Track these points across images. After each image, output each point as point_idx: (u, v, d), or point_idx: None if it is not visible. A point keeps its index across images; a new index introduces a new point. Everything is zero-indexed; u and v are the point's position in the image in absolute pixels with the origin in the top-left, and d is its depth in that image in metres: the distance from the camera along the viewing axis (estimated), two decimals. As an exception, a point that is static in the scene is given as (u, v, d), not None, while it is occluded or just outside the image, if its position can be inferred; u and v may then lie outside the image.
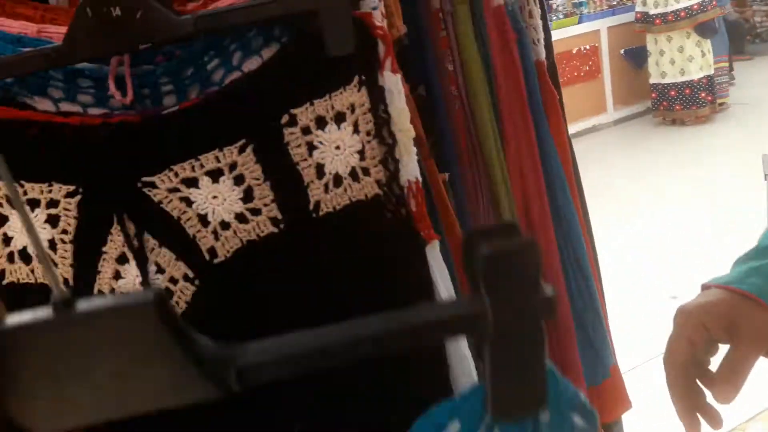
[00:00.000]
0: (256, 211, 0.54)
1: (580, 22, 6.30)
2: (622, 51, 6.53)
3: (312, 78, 0.54)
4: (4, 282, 0.56)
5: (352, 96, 0.54)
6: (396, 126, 0.54)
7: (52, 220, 0.55)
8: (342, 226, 0.54)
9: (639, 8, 6.18)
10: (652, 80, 5.92)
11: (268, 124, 0.54)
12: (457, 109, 0.84)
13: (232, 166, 0.54)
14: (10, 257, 0.55)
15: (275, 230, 0.54)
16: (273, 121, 0.53)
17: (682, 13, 5.80)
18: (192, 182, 0.54)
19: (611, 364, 0.93)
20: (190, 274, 0.55)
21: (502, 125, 0.84)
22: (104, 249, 0.55)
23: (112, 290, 0.55)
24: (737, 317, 0.53)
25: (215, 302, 0.55)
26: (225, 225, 0.54)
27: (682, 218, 3.55)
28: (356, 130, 0.54)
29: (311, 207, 0.54)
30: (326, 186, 0.54)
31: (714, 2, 5.73)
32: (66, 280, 0.55)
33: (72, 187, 0.54)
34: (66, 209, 0.54)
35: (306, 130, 0.54)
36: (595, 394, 0.92)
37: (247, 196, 0.54)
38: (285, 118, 0.53)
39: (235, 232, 0.54)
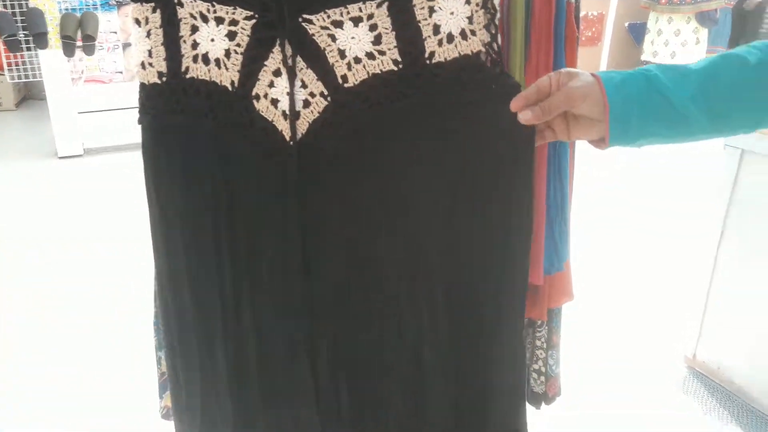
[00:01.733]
0: (382, 53, 0.72)
1: (595, -14, 6.31)
2: (626, 24, 6.57)
3: None
4: (187, 76, 0.75)
5: None
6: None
7: (231, 35, 0.73)
8: (450, 72, 0.71)
9: (649, -15, 6.22)
10: (643, 57, 6.06)
11: None
12: (499, 25, 1.01)
13: (370, 16, 0.71)
14: (195, 58, 0.75)
15: (395, 68, 0.72)
16: None
17: None
18: (338, 24, 0.72)
19: (565, 260, 1.10)
20: (325, 92, 0.74)
21: (529, 45, 0.99)
22: (265, 63, 0.74)
23: (266, 95, 0.75)
24: (575, 74, 0.71)
25: (339, 115, 0.74)
26: (357, 60, 0.73)
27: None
28: (468, 1, 0.71)
29: (426, 55, 0.72)
30: (440, 41, 0.71)
31: None
32: (233, 82, 0.75)
33: (251, 13, 0.72)
34: (243, 28, 0.73)
35: (429, -3, 0.72)
36: (548, 283, 1.08)
37: (377, 41, 0.72)
38: None
39: (364, 66, 0.73)
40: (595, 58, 6.35)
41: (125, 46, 5.64)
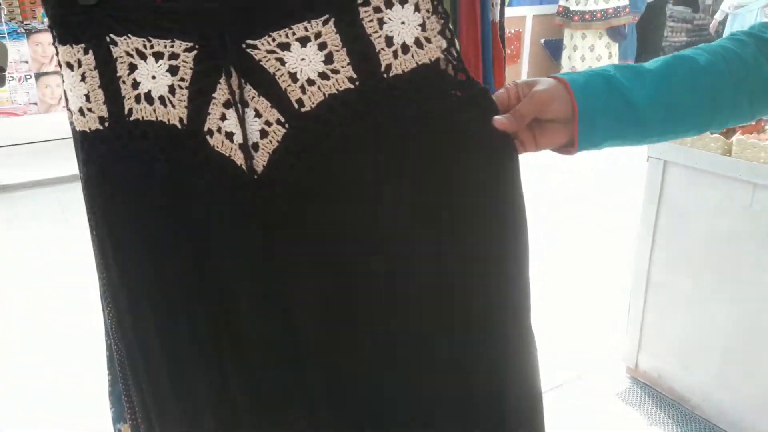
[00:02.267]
0: (335, 71, 0.69)
1: (510, 5, 6.55)
2: (542, 40, 6.84)
3: None
4: (131, 118, 0.70)
5: None
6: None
7: (173, 70, 0.69)
8: (409, 83, 0.69)
9: (562, 2, 6.55)
10: (561, 72, 6.41)
11: (346, 3, 0.68)
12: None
13: (318, 35, 0.68)
14: (137, 99, 0.70)
15: (351, 86, 0.69)
16: (350, 1, 0.69)
17: (599, 15, 6.26)
18: (285, 46, 0.68)
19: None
20: (282, 119, 0.70)
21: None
22: (214, 95, 0.69)
23: (219, 129, 0.71)
24: (538, 83, 0.72)
25: (300, 142, 0.71)
26: (311, 82, 0.70)
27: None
28: (417, 9, 0.69)
29: (382, 69, 0.69)
30: (395, 53, 0.69)
31: (627, 9, 6.15)
32: (181, 119, 0.70)
33: (190, 44, 0.68)
34: (184, 61, 0.69)
35: (377, 9, 0.68)
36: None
37: (329, 59, 0.69)
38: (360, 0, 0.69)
39: (318, 87, 0.70)
40: (516, 76, 6.60)
41: (38, 76, 5.38)
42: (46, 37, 5.36)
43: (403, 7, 0.69)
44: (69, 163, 4.63)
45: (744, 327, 1.84)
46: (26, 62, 5.34)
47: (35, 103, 5.47)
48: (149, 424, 0.80)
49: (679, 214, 1.95)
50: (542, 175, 4.23)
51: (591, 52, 6.41)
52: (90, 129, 0.69)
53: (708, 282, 1.91)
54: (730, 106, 0.74)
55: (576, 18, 6.29)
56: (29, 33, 5.30)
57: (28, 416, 1.88)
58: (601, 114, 0.71)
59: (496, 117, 0.71)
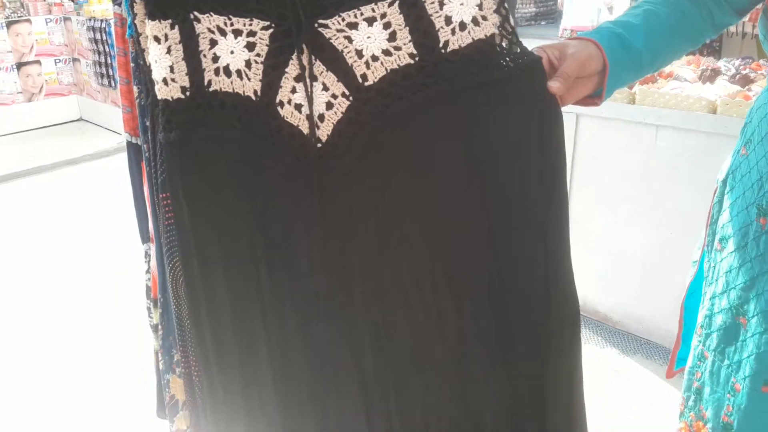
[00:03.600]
0: (398, 48, 0.76)
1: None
2: None
3: None
4: (210, 89, 0.76)
5: None
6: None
7: (250, 46, 0.75)
8: (466, 57, 0.75)
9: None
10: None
11: None
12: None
13: (383, 15, 0.74)
14: (216, 71, 0.76)
15: (411, 61, 0.75)
16: None
17: None
18: (353, 26, 0.75)
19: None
20: (347, 92, 0.76)
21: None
22: (286, 70, 0.76)
23: (289, 101, 0.77)
24: (568, 46, 0.82)
25: (362, 113, 0.77)
26: (375, 58, 0.76)
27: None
28: None
29: (440, 45, 0.75)
30: (453, 30, 0.75)
31: None
32: (256, 91, 0.77)
33: (267, 23, 0.74)
34: (261, 38, 0.75)
35: (437, -9, 0.76)
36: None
37: (392, 38, 0.75)
38: None
39: (381, 63, 0.76)
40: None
41: (19, 66, 5.33)
42: (26, 27, 5.31)
43: (462, -12, 0.76)
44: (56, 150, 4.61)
45: (656, 249, 2.07)
46: (10, 52, 5.28)
47: (21, 93, 5.42)
48: (207, 365, 0.86)
49: (592, 157, 2.16)
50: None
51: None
52: (172, 97, 0.75)
53: (622, 214, 2.13)
54: (681, 46, 0.93)
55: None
56: (10, 24, 5.24)
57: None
58: (621, 66, 0.84)
59: (550, 82, 0.77)
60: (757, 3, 0.93)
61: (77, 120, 5.74)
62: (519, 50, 0.77)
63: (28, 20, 5.35)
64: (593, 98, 0.85)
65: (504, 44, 0.77)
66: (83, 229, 3.35)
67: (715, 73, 2.18)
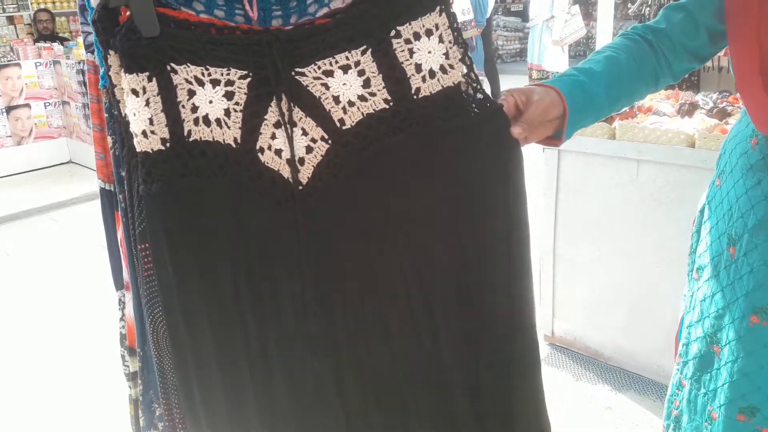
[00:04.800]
0: (372, 94, 0.78)
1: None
2: None
3: (409, 6, 0.77)
4: (190, 139, 0.77)
5: (436, 18, 0.78)
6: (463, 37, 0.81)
7: (228, 95, 0.77)
8: (436, 103, 0.79)
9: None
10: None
11: (381, 35, 0.77)
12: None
13: (357, 63, 0.77)
14: (196, 121, 0.77)
15: (386, 106, 0.78)
16: (385, 34, 0.78)
17: None
18: (329, 73, 0.77)
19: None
20: (326, 136, 0.78)
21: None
22: (265, 117, 0.77)
23: (269, 146, 0.78)
24: (533, 92, 0.86)
25: (341, 156, 0.79)
26: (351, 103, 0.78)
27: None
28: (441, 40, 0.79)
29: (413, 91, 0.79)
30: (423, 78, 0.78)
31: (474, 22, 6.62)
32: (236, 139, 0.78)
33: (245, 72, 0.76)
34: (240, 87, 0.76)
35: (407, 41, 0.78)
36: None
37: (367, 84, 0.78)
38: (393, 32, 0.78)
39: (358, 108, 0.78)
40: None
41: (9, 110, 5.35)
42: (15, 71, 5.35)
43: (429, 39, 0.79)
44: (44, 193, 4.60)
45: (642, 283, 2.08)
46: (0, 96, 5.31)
47: (10, 136, 5.43)
48: (195, 419, 0.85)
49: (575, 193, 2.18)
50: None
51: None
52: (153, 149, 0.76)
53: (607, 248, 2.15)
54: (639, 92, 0.98)
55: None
56: (1, 68, 5.28)
57: None
58: (581, 111, 0.90)
59: (513, 128, 0.82)
60: (717, 52, 0.97)
61: (67, 162, 5.75)
62: (482, 96, 0.82)
63: (18, 64, 5.40)
64: (554, 139, 0.91)
65: (470, 91, 0.81)
66: (73, 272, 3.33)
67: (693, 107, 2.22)
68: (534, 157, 2.14)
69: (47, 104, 5.60)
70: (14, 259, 3.59)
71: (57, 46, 5.63)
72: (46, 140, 5.66)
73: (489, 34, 7.88)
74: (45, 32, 6.40)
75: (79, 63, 5.08)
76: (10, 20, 7.78)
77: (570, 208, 2.20)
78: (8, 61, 5.40)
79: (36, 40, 6.10)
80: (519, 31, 11.23)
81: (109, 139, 0.82)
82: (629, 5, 6.90)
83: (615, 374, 2.18)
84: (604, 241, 2.14)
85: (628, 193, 2.05)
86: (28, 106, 5.50)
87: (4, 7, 7.71)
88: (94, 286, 3.08)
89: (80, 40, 5.16)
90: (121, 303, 0.89)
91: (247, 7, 0.80)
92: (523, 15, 9.82)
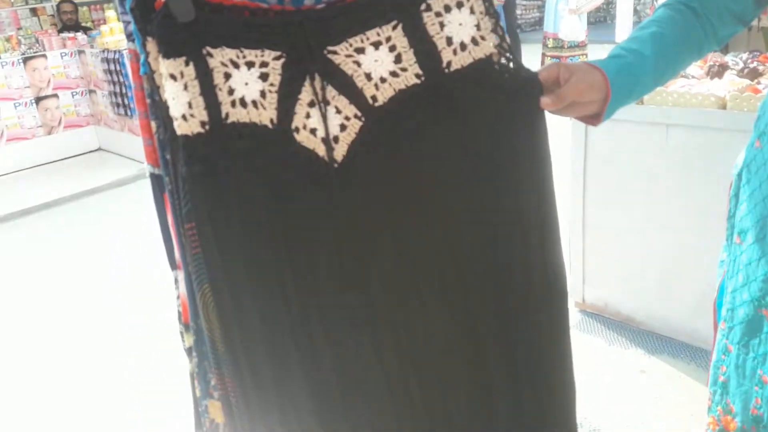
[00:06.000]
0: (404, 69, 0.79)
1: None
2: None
3: None
4: (228, 121, 0.79)
5: None
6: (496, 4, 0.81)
7: (263, 76, 0.78)
8: (467, 76, 0.80)
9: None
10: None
11: (411, 10, 0.78)
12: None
13: (388, 39, 0.78)
14: (233, 104, 0.79)
15: (418, 81, 0.79)
16: (415, 8, 0.79)
17: None
18: (361, 50, 0.78)
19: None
20: (359, 113, 0.80)
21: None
22: (299, 96, 0.79)
23: (304, 126, 0.80)
24: (577, 69, 0.85)
25: (374, 132, 0.80)
26: (383, 79, 0.79)
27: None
28: (472, 11, 0.80)
29: (444, 65, 0.79)
30: (454, 51, 0.79)
31: None
32: (272, 119, 0.80)
33: (279, 53, 0.78)
34: (274, 68, 0.78)
35: (438, 14, 0.79)
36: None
37: (398, 60, 0.79)
38: (423, 6, 0.78)
39: (389, 84, 0.80)
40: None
41: (38, 101, 5.46)
42: (42, 62, 5.44)
43: (460, 11, 0.80)
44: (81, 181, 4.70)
45: (673, 247, 2.06)
46: (28, 87, 5.41)
47: (41, 126, 5.54)
48: (243, 386, 0.89)
49: (604, 160, 2.16)
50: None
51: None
52: (192, 132, 0.78)
53: (637, 214, 2.13)
54: (684, 65, 0.97)
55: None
56: (27, 60, 5.37)
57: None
58: (625, 95, 0.89)
59: (543, 98, 0.83)
60: (759, 13, 0.95)
61: (96, 150, 5.86)
62: (515, 66, 0.82)
63: (44, 55, 5.48)
64: (592, 118, 0.90)
65: (502, 62, 0.82)
66: (109, 257, 3.42)
67: (723, 68, 2.18)
68: (562, 124, 2.15)
69: (74, 93, 5.69)
70: (51, 245, 3.70)
71: (81, 36, 5.70)
72: (75, 129, 5.76)
73: (512, 3, 7.76)
74: (69, 23, 6.48)
75: (104, 52, 5.15)
76: (33, 12, 7.88)
77: (599, 175, 2.19)
78: (34, 52, 5.48)
79: (60, 31, 6.17)
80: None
81: (153, 124, 0.84)
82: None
83: (648, 338, 2.18)
84: (633, 208, 2.13)
85: (658, 158, 2.03)
86: (56, 96, 5.59)
87: (27, -1, 7.81)
88: (135, 269, 3.16)
89: (104, 28, 5.23)
90: (176, 282, 0.92)
91: None
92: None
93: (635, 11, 10.90)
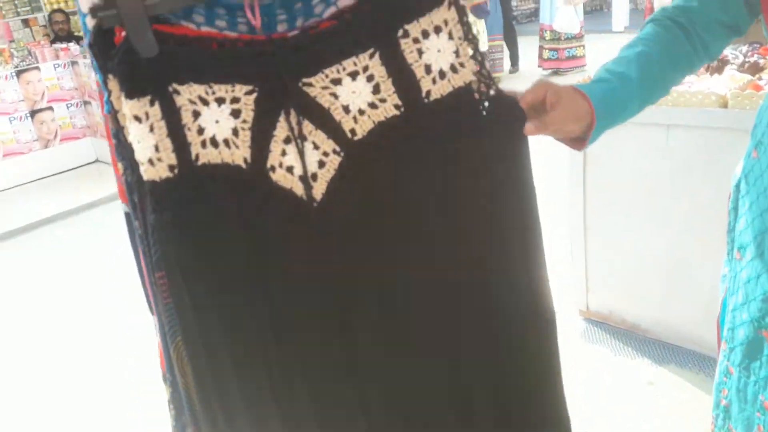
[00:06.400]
0: (383, 100, 0.74)
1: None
2: None
3: (416, 2, 0.73)
4: (198, 163, 0.75)
5: (445, 13, 0.74)
6: (474, 29, 0.77)
7: (235, 113, 0.74)
8: (447, 105, 0.75)
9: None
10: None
11: (389, 37, 0.73)
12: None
13: (365, 68, 0.73)
14: (203, 144, 0.74)
15: (397, 113, 0.75)
16: (392, 35, 0.74)
17: None
18: (338, 81, 0.73)
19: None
20: (337, 148, 0.75)
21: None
22: (274, 133, 0.74)
23: (280, 164, 0.75)
24: (564, 95, 0.81)
25: (354, 168, 0.76)
26: (361, 111, 0.75)
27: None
28: (451, 37, 0.75)
29: (423, 94, 0.75)
30: (433, 79, 0.74)
31: None
32: (245, 159, 0.75)
33: (251, 87, 0.73)
34: (246, 104, 0.73)
35: (416, 40, 0.74)
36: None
37: (376, 90, 0.74)
38: (401, 32, 0.73)
39: (368, 116, 0.75)
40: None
41: (33, 114, 5.42)
42: (36, 75, 5.40)
43: (438, 36, 0.75)
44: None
45: (677, 251, 2.00)
46: (23, 101, 5.37)
47: (36, 140, 5.51)
48: None
49: (603, 163, 2.10)
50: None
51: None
52: (160, 177, 0.73)
53: (638, 218, 2.06)
54: (672, 84, 0.95)
55: (441, 2, 6.57)
56: (20, 72, 5.33)
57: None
58: (610, 121, 0.87)
59: (528, 124, 0.79)
60: (754, 19, 0.91)
61: (94, 162, 5.82)
62: (495, 93, 0.78)
63: (37, 68, 5.43)
64: (575, 142, 0.87)
65: (482, 89, 0.77)
66: (108, 272, 3.38)
67: (723, 63, 2.13)
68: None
69: (69, 105, 5.64)
70: (54, 260, 3.66)
71: (73, 46, 5.65)
72: (72, 141, 5.71)
73: None
74: (61, 33, 6.43)
75: (96, 62, 5.09)
76: (26, 23, 7.84)
77: (599, 179, 2.14)
78: (27, 65, 5.44)
79: (53, 42, 6.13)
80: (533, -9, 11.02)
81: (120, 165, 0.80)
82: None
83: (655, 347, 2.12)
84: (635, 211, 2.07)
85: (658, 160, 1.97)
86: (51, 108, 5.55)
87: (18, 10, 7.75)
88: (135, 277, 3.12)
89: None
90: (156, 327, 0.88)
91: (249, 15, 0.76)
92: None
93: (631, -1, 10.84)
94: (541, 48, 7.20)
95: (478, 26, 6.67)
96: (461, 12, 0.76)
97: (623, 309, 2.23)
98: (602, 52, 7.60)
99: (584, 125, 0.83)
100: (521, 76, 7.40)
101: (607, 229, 2.17)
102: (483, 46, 6.78)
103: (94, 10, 0.71)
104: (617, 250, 2.16)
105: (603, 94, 0.85)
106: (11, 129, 5.31)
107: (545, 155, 3.82)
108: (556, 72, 7.20)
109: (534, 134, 0.79)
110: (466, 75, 0.76)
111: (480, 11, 6.59)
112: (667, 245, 2.02)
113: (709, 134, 1.84)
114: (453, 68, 0.76)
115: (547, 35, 7.07)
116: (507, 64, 7.54)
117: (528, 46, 7.86)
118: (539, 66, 7.29)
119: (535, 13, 10.30)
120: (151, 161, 0.73)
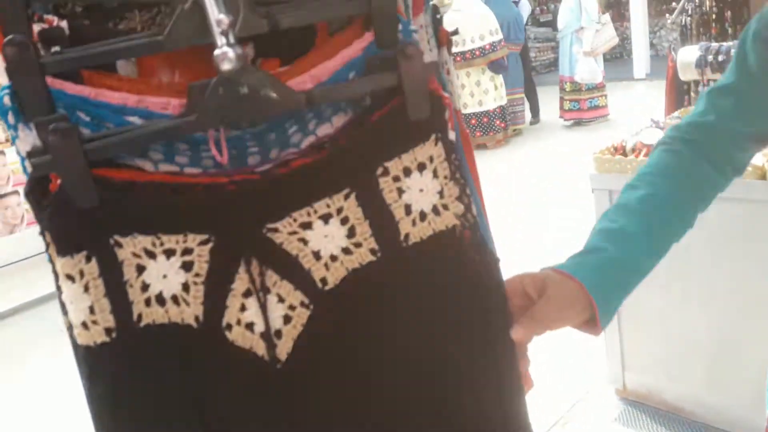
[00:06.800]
0: (358, 245, 0.65)
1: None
2: None
3: (399, 137, 0.66)
4: (141, 324, 0.63)
5: (430, 149, 0.67)
6: (464, 169, 0.68)
7: (186, 266, 0.63)
8: (427, 252, 0.67)
9: (443, 47, 7.13)
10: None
11: (366, 175, 0.65)
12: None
13: (339, 210, 0.65)
14: (147, 302, 0.63)
15: (373, 258, 0.65)
16: (371, 173, 0.65)
17: (477, 52, 6.76)
18: (308, 225, 0.64)
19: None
20: (306, 301, 0.65)
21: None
22: (232, 286, 0.64)
23: (239, 321, 0.65)
24: (548, 282, 0.72)
25: (324, 322, 0.66)
26: (333, 258, 0.65)
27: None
28: (436, 175, 0.67)
29: (402, 238, 0.66)
30: (413, 221, 0.66)
31: (503, 42, 6.66)
32: (197, 317, 0.64)
33: (205, 236, 0.63)
34: (199, 255, 0.63)
35: (396, 178, 0.66)
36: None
37: (351, 233, 0.65)
38: (380, 170, 0.65)
39: (341, 262, 0.65)
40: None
41: (-2, 199, 5.26)
42: (0, 160, 5.26)
43: (421, 174, 0.67)
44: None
45: (719, 328, 1.89)
46: (-12, 189, 5.22)
47: (1, 227, 5.32)
48: None
49: None
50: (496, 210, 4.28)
51: (478, 87, 6.92)
52: (95, 343, 0.62)
53: (676, 293, 1.97)
54: (694, 214, 0.87)
55: (458, 59, 6.73)
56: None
57: None
58: (617, 296, 0.78)
59: (514, 328, 0.71)
60: None
61: (61, 246, 5.63)
62: (480, 243, 0.70)
63: (1, 152, 5.30)
64: (587, 326, 0.77)
65: (466, 236, 0.69)
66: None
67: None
68: (583, 192, 2.03)
69: (37, 189, 5.50)
70: (19, 353, 3.44)
71: (42, 130, 5.55)
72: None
73: (527, 50, 7.82)
74: (31, 116, 6.35)
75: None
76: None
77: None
78: (-8, 151, 5.32)
79: (22, 126, 6.03)
80: (551, 41, 11.17)
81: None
82: (667, 16, 6.90)
83: (697, 430, 1.96)
84: (672, 285, 1.96)
85: (695, 231, 1.89)
86: (16, 192, 5.39)
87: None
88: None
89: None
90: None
91: (214, 151, 0.66)
92: (553, 24, 9.80)
93: (651, 45, 11.02)
94: (561, 99, 7.27)
95: (496, 81, 6.78)
96: (449, 148, 0.68)
97: (663, 388, 2.08)
98: (624, 99, 7.74)
99: (582, 308, 0.74)
100: (543, 127, 7.46)
101: (643, 303, 2.04)
102: (502, 101, 6.93)
103: (30, 155, 0.62)
104: (654, 325, 2.05)
105: (598, 270, 0.76)
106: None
107: (576, 221, 3.84)
108: (579, 122, 7.29)
109: (524, 338, 0.71)
110: (449, 218, 0.68)
111: (498, 67, 6.72)
112: (709, 321, 1.91)
113: (747, 206, 1.76)
114: (435, 210, 0.67)
115: (567, 86, 7.13)
116: (528, 115, 7.62)
117: (547, 97, 7.90)
118: (560, 117, 7.38)
119: (554, 63, 10.34)
120: (84, 324, 0.62)
